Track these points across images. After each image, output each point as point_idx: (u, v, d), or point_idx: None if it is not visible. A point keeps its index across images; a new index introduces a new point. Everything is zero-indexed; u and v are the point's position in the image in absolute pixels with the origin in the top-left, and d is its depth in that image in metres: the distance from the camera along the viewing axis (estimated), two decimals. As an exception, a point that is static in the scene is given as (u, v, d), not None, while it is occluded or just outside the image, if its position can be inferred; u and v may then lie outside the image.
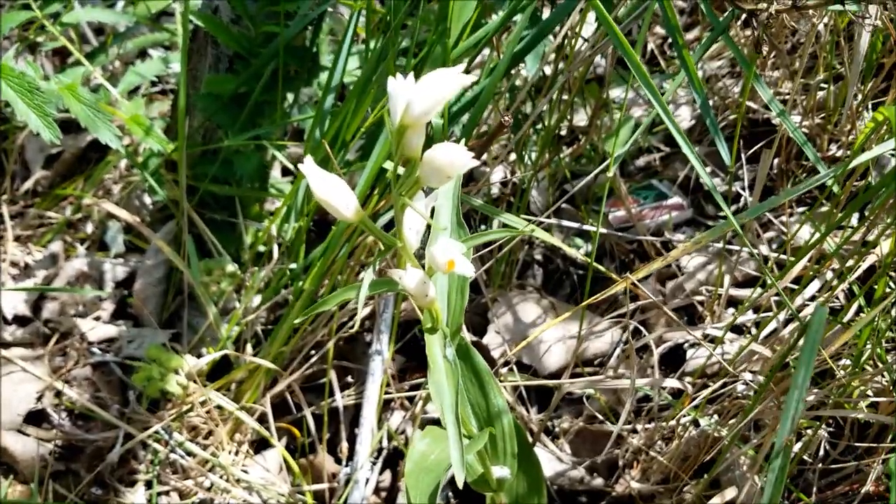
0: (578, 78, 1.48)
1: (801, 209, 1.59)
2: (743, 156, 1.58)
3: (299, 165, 0.73)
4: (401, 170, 0.75)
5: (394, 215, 0.78)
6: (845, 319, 1.23)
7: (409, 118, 0.69)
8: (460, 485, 0.78)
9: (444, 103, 0.68)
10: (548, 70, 1.51)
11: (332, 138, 1.38)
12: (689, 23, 1.96)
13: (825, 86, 1.51)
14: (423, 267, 0.82)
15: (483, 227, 1.64)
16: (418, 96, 0.68)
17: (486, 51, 1.56)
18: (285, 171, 1.85)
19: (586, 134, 1.67)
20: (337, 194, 0.74)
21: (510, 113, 1.27)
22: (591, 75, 1.83)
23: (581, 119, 1.80)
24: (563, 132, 1.76)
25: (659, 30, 2.04)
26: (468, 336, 1.55)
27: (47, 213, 1.86)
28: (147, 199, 1.83)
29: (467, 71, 1.37)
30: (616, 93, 1.82)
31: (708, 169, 1.71)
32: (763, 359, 1.27)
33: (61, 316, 1.67)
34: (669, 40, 2.06)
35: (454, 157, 0.69)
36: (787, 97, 1.56)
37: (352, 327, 1.52)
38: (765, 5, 1.02)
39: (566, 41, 1.43)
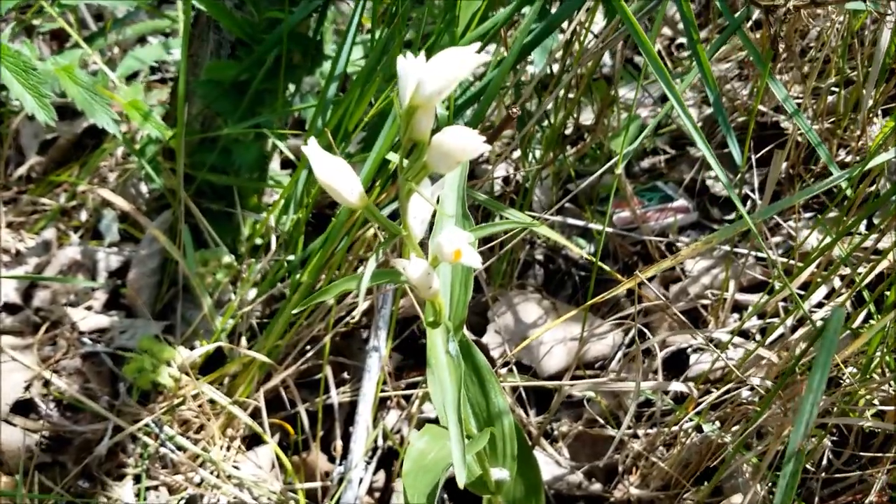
0: (586, 75, 1.46)
1: (807, 215, 1.57)
2: (753, 157, 1.55)
3: (303, 148, 0.70)
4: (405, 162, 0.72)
5: (399, 202, 0.75)
6: (853, 326, 1.21)
7: (419, 98, 0.66)
8: (462, 485, 0.75)
9: (456, 84, 0.65)
10: (554, 68, 1.48)
11: (334, 129, 1.36)
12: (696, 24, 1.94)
13: (835, 90, 1.49)
14: (426, 258, 0.79)
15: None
16: (430, 75, 0.65)
17: (492, 46, 1.54)
18: (284, 164, 1.82)
19: (592, 132, 1.65)
20: (341, 178, 0.71)
21: (517, 106, 1.24)
22: (596, 75, 1.81)
23: (587, 118, 1.78)
24: (569, 131, 1.74)
25: (665, 31, 2.01)
26: (467, 335, 1.52)
27: (41, 200, 1.83)
28: (143, 188, 1.80)
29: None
30: (623, 92, 1.80)
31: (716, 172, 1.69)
32: (769, 364, 1.24)
33: (52, 305, 1.64)
34: (676, 42, 2.04)
35: (465, 142, 0.66)
36: (797, 100, 1.54)
37: (349, 322, 1.49)
38: (782, 1, 1.00)
39: (574, 37, 1.41)
